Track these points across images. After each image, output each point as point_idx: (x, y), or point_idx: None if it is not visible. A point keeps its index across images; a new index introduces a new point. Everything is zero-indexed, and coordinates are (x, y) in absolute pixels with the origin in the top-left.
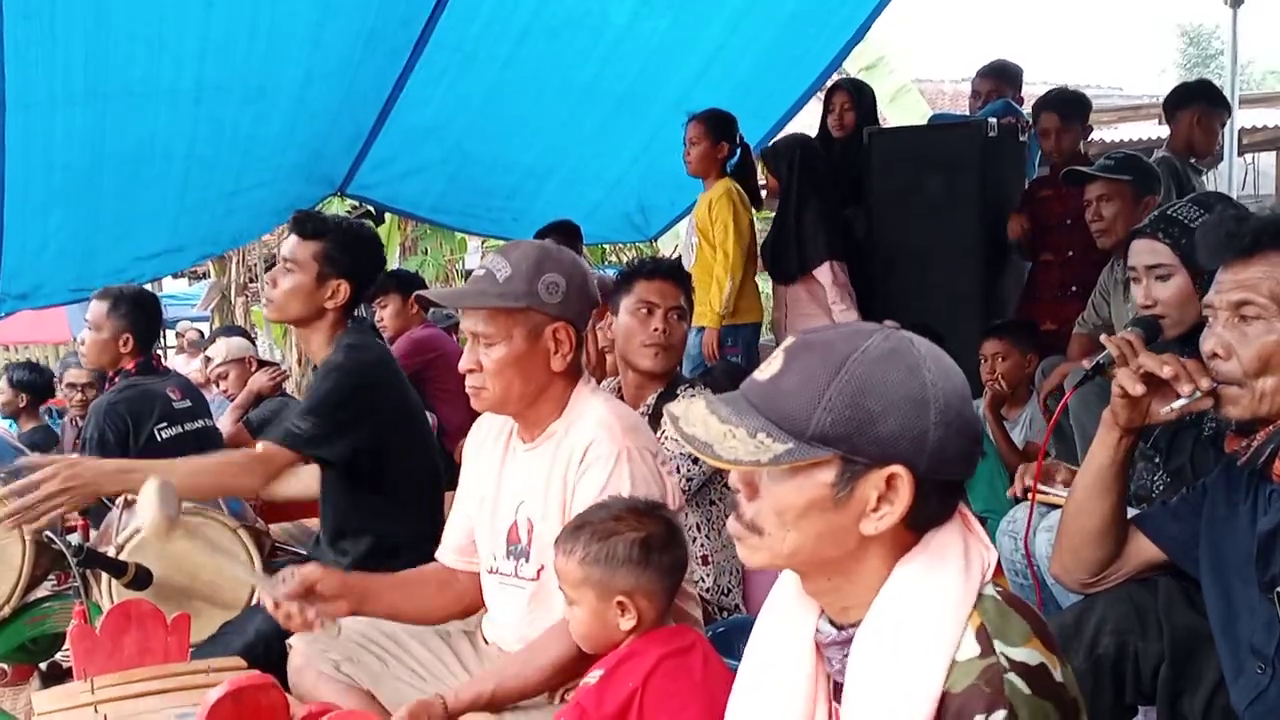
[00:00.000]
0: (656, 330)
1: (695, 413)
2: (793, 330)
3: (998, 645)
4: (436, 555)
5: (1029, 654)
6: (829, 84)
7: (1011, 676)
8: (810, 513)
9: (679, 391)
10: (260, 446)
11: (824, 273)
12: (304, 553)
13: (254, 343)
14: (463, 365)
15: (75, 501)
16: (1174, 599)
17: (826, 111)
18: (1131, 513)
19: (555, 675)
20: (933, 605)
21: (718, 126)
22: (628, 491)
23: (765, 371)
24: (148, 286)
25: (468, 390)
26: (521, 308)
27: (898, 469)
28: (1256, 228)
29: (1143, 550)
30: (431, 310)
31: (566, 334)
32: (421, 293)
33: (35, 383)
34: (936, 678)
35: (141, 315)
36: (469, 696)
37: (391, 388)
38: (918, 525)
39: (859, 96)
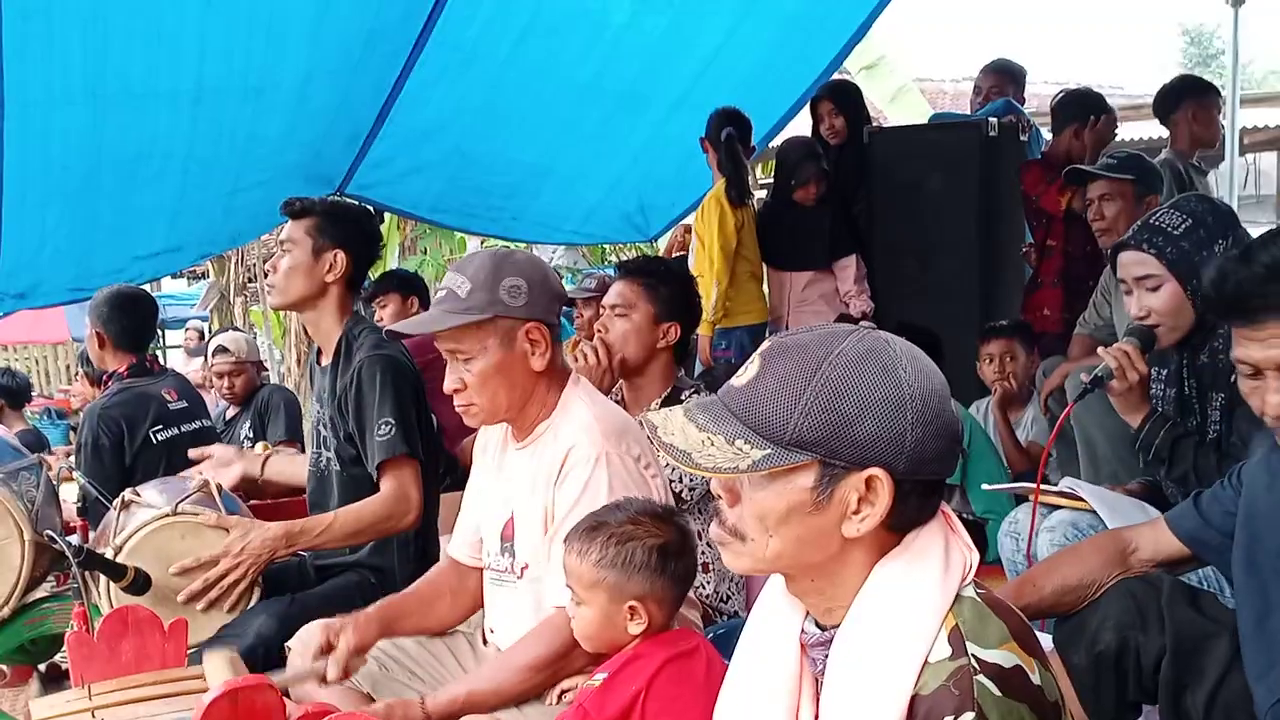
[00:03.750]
0: (596, 330)
1: (674, 421)
2: (795, 327)
3: (970, 647)
4: (449, 550)
5: (1004, 656)
6: (811, 98)
7: (982, 679)
8: (791, 517)
9: (683, 398)
10: (385, 482)
11: (849, 265)
12: (302, 554)
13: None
14: (448, 387)
15: (254, 573)
16: (1176, 597)
17: (816, 123)
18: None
19: (532, 675)
20: (908, 607)
21: (707, 124)
22: (604, 497)
23: (742, 377)
24: (146, 287)
25: (458, 409)
26: (489, 317)
27: (876, 471)
28: (1259, 286)
29: (1165, 544)
30: None
31: (540, 333)
32: (392, 328)
33: (10, 387)
34: (907, 680)
35: (113, 311)
36: (445, 699)
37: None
38: (899, 526)
39: (843, 100)
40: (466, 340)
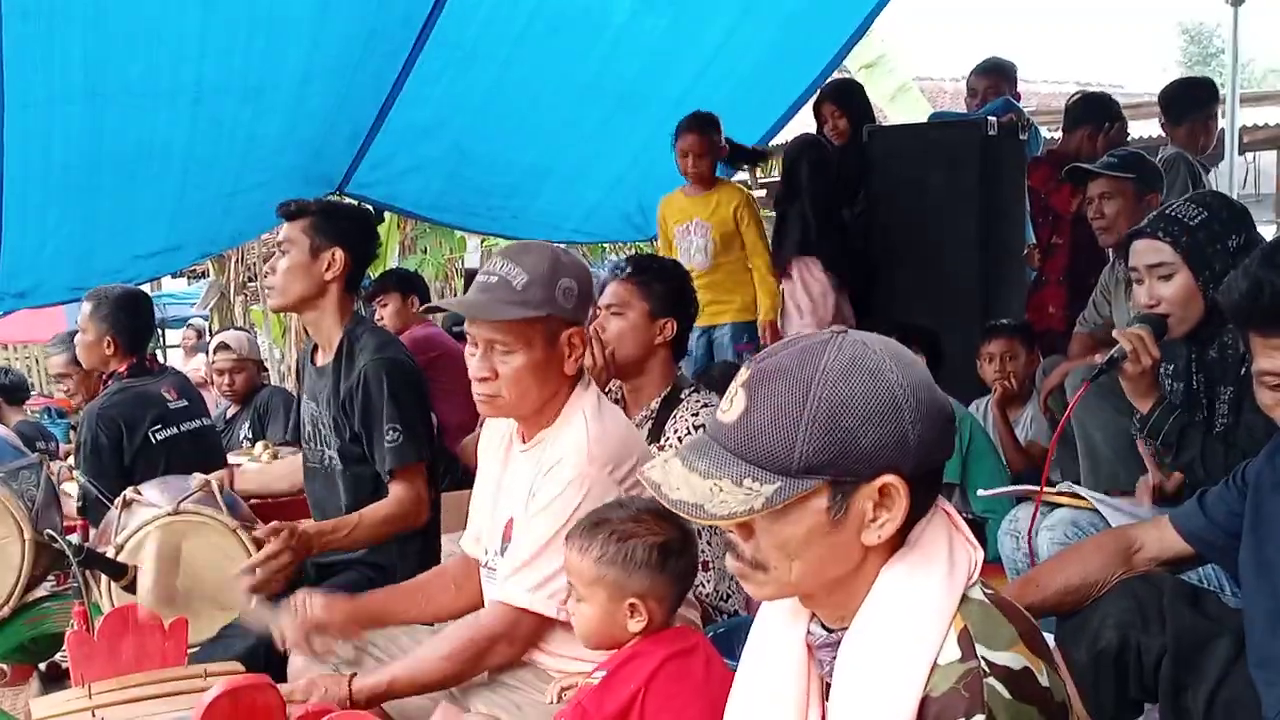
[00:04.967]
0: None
1: (674, 474)
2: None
3: (979, 649)
4: (459, 544)
5: (1012, 658)
6: (814, 98)
7: (992, 681)
8: (811, 540)
9: (682, 396)
10: (398, 485)
11: (793, 268)
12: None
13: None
14: (476, 373)
15: (296, 565)
16: (1177, 596)
17: (820, 124)
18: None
19: (451, 666)
20: (915, 609)
21: (683, 128)
22: (569, 518)
23: (730, 412)
24: (145, 286)
25: (478, 397)
26: (543, 315)
27: (889, 478)
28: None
29: (1169, 542)
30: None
31: (580, 338)
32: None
33: (6, 384)
34: (917, 682)
35: (125, 316)
36: (370, 682)
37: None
38: (907, 523)
39: (846, 100)
40: (513, 333)
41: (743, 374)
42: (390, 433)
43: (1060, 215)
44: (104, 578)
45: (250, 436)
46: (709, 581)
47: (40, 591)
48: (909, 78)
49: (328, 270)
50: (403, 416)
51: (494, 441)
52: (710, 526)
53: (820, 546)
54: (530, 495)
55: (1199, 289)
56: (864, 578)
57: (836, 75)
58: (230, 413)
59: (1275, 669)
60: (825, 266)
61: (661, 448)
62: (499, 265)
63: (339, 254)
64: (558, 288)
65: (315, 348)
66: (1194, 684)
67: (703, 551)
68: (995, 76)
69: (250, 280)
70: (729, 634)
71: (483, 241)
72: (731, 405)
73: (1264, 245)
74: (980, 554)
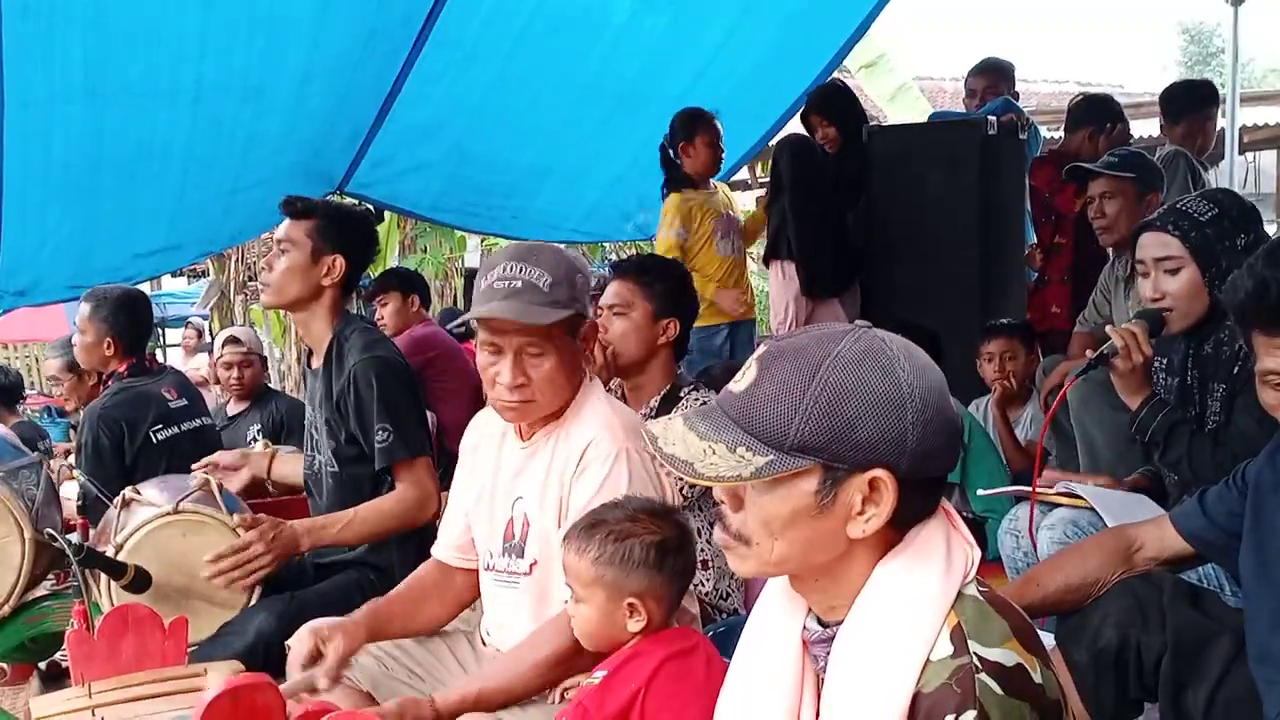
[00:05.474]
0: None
1: (674, 430)
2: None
3: (972, 645)
4: (433, 552)
5: (1005, 654)
6: (800, 110)
7: (984, 677)
8: (796, 521)
9: (682, 394)
10: (401, 482)
11: (770, 267)
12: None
13: None
14: (509, 381)
15: (278, 561)
16: (1177, 595)
17: (810, 133)
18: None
19: (544, 672)
20: (910, 605)
21: (680, 127)
22: (624, 491)
23: (740, 382)
24: (145, 285)
25: (508, 403)
26: (573, 314)
27: (880, 473)
28: None
29: (1169, 542)
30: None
31: (594, 329)
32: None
33: (3, 384)
34: (909, 678)
35: (125, 317)
36: (456, 698)
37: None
38: (901, 523)
39: (830, 108)
40: (546, 337)
41: (760, 349)
42: (380, 432)
43: (1064, 215)
44: (104, 577)
45: (257, 438)
46: (709, 580)
47: (40, 590)
48: (909, 77)
49: (326, 275)
50: (393, 415)
51: (481, 442)
52: (711, 524)
53: (804, 529)
54: (559, 489)
55: (1204, 285)
56: (851, 570)
57: (831, 77)
58: (232, 410)
59: (1276, 668)
60: (799, 266)
61: None
62: (518, 269)
63: (339, 261)
64: (577, 285)
65: (312, 353)
66: (1194, 683)
67: (702, 550)
68: (993, 76)
69: (250, 279)
70: (728, 633)
71: (482, 241)
72: (743, 377)
73: (1269, 244)
74: (977, 553)
